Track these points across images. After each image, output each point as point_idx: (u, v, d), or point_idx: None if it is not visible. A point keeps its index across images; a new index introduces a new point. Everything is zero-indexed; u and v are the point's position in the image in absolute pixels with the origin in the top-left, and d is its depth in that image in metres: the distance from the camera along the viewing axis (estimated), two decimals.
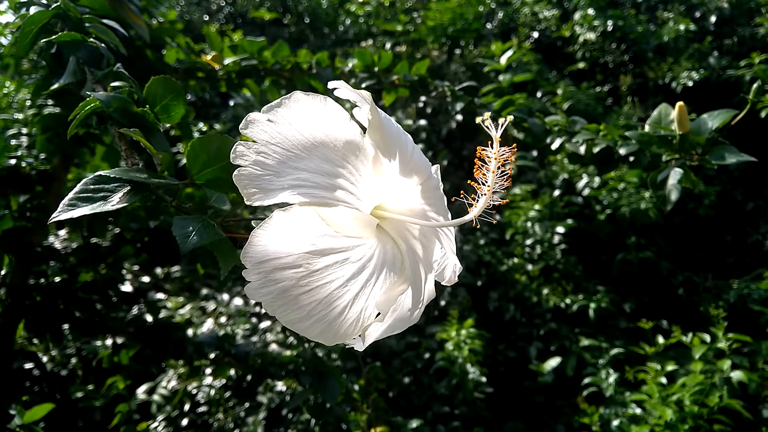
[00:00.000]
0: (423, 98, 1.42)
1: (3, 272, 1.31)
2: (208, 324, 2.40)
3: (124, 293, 1.60)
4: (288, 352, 1.66)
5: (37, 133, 1.21)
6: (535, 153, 4.04)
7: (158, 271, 2.24)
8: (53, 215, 0.49)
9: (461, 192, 0.52)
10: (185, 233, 0.50)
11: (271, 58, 1.43)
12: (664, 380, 2.34)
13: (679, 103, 0.93)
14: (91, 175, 0.54)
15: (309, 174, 0.44)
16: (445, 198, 0.54)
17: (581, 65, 4.67)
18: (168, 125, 0.69)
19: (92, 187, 0.52)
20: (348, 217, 0.45)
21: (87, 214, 0.50)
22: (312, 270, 0.43)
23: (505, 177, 0.49)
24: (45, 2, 0.84)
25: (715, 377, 2.22)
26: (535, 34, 5.03)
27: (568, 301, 3.26)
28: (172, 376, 2.31)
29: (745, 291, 3.17)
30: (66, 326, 1.44)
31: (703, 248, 3.93)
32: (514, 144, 0.50)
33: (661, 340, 2.62)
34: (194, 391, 2.37)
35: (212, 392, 2.34)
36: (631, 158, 1.04)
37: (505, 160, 0.49)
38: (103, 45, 0.79)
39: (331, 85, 0.48)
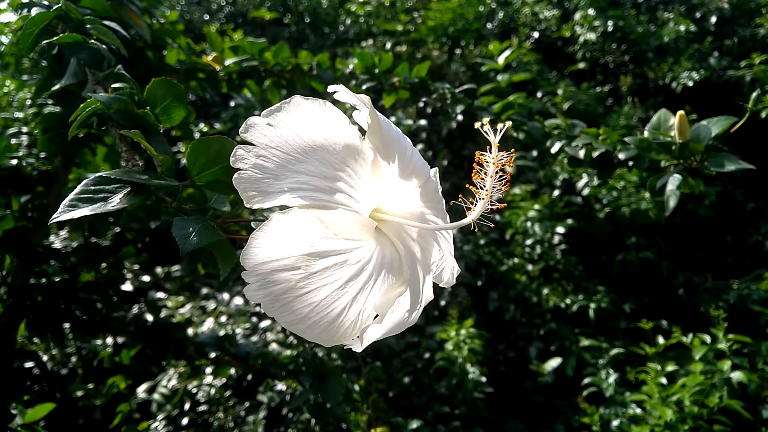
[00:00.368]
0: (423, 99, 1.42)
1: (4, 272, 1.32)
2: (209, 323, 2.40)
3: (125, 292, 1.60)
4: (288, 352, 1.67)
5: (39, 134, 1.21)
6: (535, 153, 4.04)
7: (158, 270, 2.24)
8: (54, 216, 0.49)
9: (460, 195, 0.52)
10: (185, 234, 0.51)
11: (272, 59, 1.44)
12: (664, 380, 2.34)
13: (680, 112, 0.93)
14: (91, 175, 0.54)
15: (308, 177, 0.44)
16: (444, 201, 0.54)
17: (581, 65, 4.67)
18: (168, 126, 0.69)
19: (93, 188, 0.53)
20: (347, 220, 0.45)
21: (88, 214, 0.50)
22: (311, 272, 0.43)
23: (504, 181, 0.50)
24: (46, 3, 0.84)
25: (715, 378, 2.22)
26: (536, 34, 5.03)
27: (568, 301, 3.26)
28: (173, 376, 2.31)
29: (745, 291, 3.17)
30: (67, 326, 1.44)
31: (704, 248, 3.93)
32: (513, 149, 0.50)
33: (661, 340, 2.63)
34: (194, 390, 2.38)
35: (212, 391, 2.35)
36: (630, 163, 1.04)
37: (503, 165, 0.49)
38: (104, 46, 0.79)
39: (330, 88, 0.49)
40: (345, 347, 0.49)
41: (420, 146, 3.90)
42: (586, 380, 2.87)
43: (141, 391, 2.31)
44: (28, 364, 1.63)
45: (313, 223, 0.44)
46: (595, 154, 1.09)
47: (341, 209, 0.45)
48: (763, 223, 3.75)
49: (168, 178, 0.58)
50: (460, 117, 1.33)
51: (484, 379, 2.81)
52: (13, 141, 1.43)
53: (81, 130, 0.66)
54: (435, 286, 0.56)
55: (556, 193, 3.79)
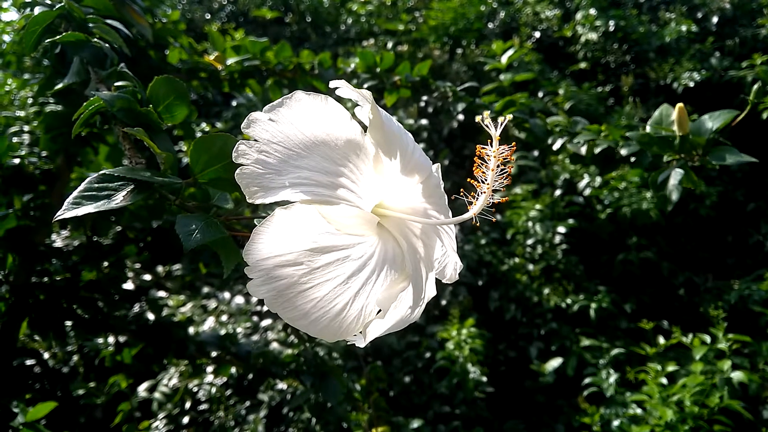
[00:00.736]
0: (425, 98, 1.42)
1: (6, 271, 1.32)
2: (210, 322, 2.40)
3: (126, 291, 1.60)
4: (289, 351, 1.67)
5: (41, 132, 1.21)
6: (536, 153, 4.04)
7: (160, 269, 2.24)
8: (58, 213, 0.49)
9: (461, 190, 0.52)
10: (189, 231, 0.51)
11: (274, 58, 1.44)
12: (664, 381, 2.34)
13: (679, 105, 0.93)
14: (95, 173, 0.54)
15: (310, 172, 0.44)
16: (446, 196, 0.54)
17: (583, 65, 4.67)
18: (171, 124, 0.69)
19: (96, 185, 0.53)
20: (349, 215, 0.45)
21: (91, 212, 0.50)
22: (313, 267, 0.43)
23: (505, 175, 0.50)
24: (49, 2, 0.84)
25: (716, 378, 2.22)
26: (537, 34, 5.03)
27: (569, 301, 3.26)
28: (174, 374, 2.32)
29: (745, 292, 3.17)
30: (68, 324, 1.45)
31: (704, 249, 3.93)
32: (514, 143, 0.50)
33: (661, 340, 2.62)
34: (195, 389, 2.38)
35: (213, 390, 2.35)
36: (633, 159, 1.04)
37: (504, 159, 0.49)
38: (106, 45, 0.79)
39: (332, 84, 0.49)
40: (347, 344, 0.49)
41: (421, 145, 3.88)
42: (587, 380, 2.87)
43: (142, 389, 2.31)
44: (30, 363, 1.64)
45: (316, 219, 0.44)
46: (597, 150, 1.09)
47: (343, 204, 0.45)
48: (763, 223, 3.75)
49: (171, 175, 0.58)
50: (461, 116, 1.33)
51: (484, 378, 2.81)
52: (15, 140, 1.43)
53: (84, 129, 0.66)
54: (437, 283, 0.56)
55: (558, 192, 3.79)
